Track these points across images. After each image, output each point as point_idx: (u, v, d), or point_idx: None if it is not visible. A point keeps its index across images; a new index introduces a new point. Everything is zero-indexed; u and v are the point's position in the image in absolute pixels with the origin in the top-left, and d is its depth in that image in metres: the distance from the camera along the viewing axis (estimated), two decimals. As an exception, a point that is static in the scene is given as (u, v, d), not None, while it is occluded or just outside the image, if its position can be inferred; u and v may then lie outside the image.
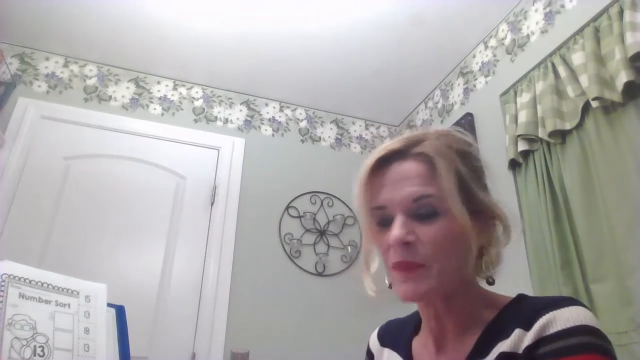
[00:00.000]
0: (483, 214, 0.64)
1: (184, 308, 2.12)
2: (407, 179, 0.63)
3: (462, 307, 0.65)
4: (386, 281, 0.67)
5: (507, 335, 0.57)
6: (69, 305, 0.70)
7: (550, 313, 0.54)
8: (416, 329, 0.74)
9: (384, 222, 0.64)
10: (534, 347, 0.54)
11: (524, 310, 0.59)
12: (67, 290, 0.71)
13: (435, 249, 0.61)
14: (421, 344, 0.71)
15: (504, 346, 0.57)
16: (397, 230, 0.61)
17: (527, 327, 0.55)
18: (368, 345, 0.83)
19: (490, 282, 0.66)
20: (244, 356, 2.08)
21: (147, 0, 2.09)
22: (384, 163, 0.66)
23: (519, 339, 0.55)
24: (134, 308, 2.02)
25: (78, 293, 0.72)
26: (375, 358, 0.80)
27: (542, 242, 1.61)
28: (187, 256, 2.23)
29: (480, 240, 0.64)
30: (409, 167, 0.64)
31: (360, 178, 0.67)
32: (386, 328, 0.82)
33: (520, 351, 0.55)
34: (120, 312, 0.80)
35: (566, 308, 0.55)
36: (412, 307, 0.74)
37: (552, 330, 0.53)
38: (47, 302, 0.67)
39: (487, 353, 0.58)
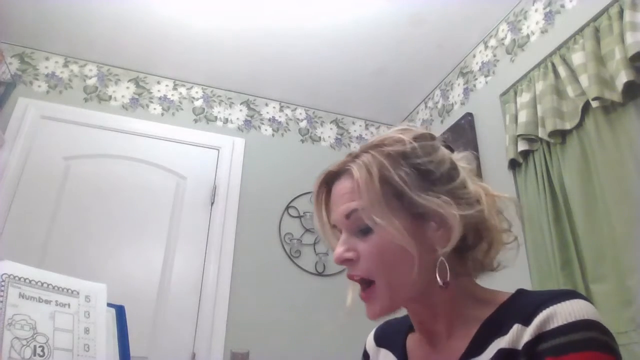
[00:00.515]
0: (431, 215, 0.61)
1: (184, 308, 2.12)
2: (340, 197, 0.65)
3: (449, 308, 0.63)
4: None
5: (506, 332, 0.55)
6: (69, 305, 0.70)
7: (551, 307, 0.52)
8: (411, 328, 0.73)
9: None
10: (534, 343, 0.51)
11: (523, 304, 0.57)
12: (67, 290, 0.71)
13: (374, 264, 0.61)
14: (416, 342, 0.71)
15: (502, 342, 0.55)
16: (337, 248, 0.64)
17: (526, 322, 0.53)
18: (365, 347, 0.83)
19: (494, 269, 0.66)
20: (244, 356, 2.08)
21: (147, 1, 2.10)
22: (331, 184, 0.68)
23: (518, 335, 0.53)
24: (134, 308, 2.02)
25: (78, 293, 0.72)
26: (371, 358, 0.79)
27: (542, 242, 1.61)
28: (187, 256, 2.23)
29: (438, 242, 0.61)
30: (341, 186, 0.66)
31: (313, 202, 0.71)
32: (383, 328, 0.82)
33: (520, 347, 0.53)
34: (120, 312, 0.80)
35: (567, 302, 0.52)
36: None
37: (553, 325, 0.51)
38: (47, 302, 0.67)
39: (483, 350, 0.57)
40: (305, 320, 2.26)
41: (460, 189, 0.63)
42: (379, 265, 0.61)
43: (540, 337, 0.51)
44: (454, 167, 0.65)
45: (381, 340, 0.79)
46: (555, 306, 0.52)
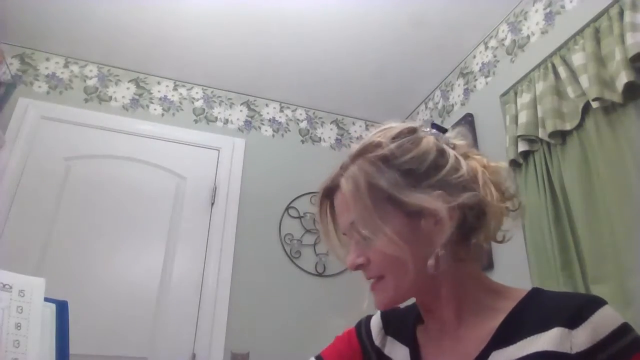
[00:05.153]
0: (424, 211, 0.62)
1: (184, 308, 2.12)
2: (340, 210, 0.69)
3: (453, 293, 0.64)
4: None
5: (541, 330, 0.55)
6: None
7: (595, 314, 0.53)
8: (419, 319, 0.72)
9: None
10: (593, 351, 0.52)
11: (555, 305, 0.57)
12: None
13: (381, 265, 0.64)
14: (427, 333, 0.70)
15: (542, 343, 0.54)
16: (349, 256, 0.67)
17: (571, 325, 0.53)
18: (368, 322, 0.79)
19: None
20: (244, 357, 2.08)
21: (147, 1, 2.10)
22: (331, 196, 0.71)
23: (563, 338, 0.53)
24: (135, 308, 2.04)
25: (11, 287, 0.68)
26: (374, 340, 0.75)
27: (542, 242, 1.61)
28: (187, 257, 2.23)
29: (436, 236, 0.61)
30: (339, 199, 0.69)
31: (317, 217, 0.73)
32: (389, 314, 0.78)
33: (570, 351, 0.52)
34: (61, 307, 0.75)
35: (604, 307, 0.54)
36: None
37: (606, 332, 0.52)
38: None
39: (511, 342, 0.57)
40: (305, 321, 2.26)
41: (451, 174, 0.62)
42: (385, 266, 0.64)
43: (600, 345, 0.52)
44: (441, 154, 0.64)
45: (389, 328, 0.76)
46: (597, 313, 0.54)
